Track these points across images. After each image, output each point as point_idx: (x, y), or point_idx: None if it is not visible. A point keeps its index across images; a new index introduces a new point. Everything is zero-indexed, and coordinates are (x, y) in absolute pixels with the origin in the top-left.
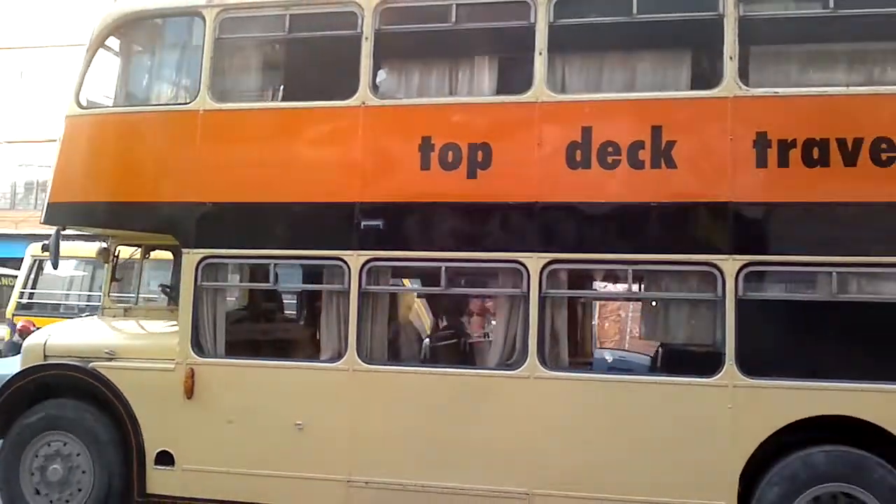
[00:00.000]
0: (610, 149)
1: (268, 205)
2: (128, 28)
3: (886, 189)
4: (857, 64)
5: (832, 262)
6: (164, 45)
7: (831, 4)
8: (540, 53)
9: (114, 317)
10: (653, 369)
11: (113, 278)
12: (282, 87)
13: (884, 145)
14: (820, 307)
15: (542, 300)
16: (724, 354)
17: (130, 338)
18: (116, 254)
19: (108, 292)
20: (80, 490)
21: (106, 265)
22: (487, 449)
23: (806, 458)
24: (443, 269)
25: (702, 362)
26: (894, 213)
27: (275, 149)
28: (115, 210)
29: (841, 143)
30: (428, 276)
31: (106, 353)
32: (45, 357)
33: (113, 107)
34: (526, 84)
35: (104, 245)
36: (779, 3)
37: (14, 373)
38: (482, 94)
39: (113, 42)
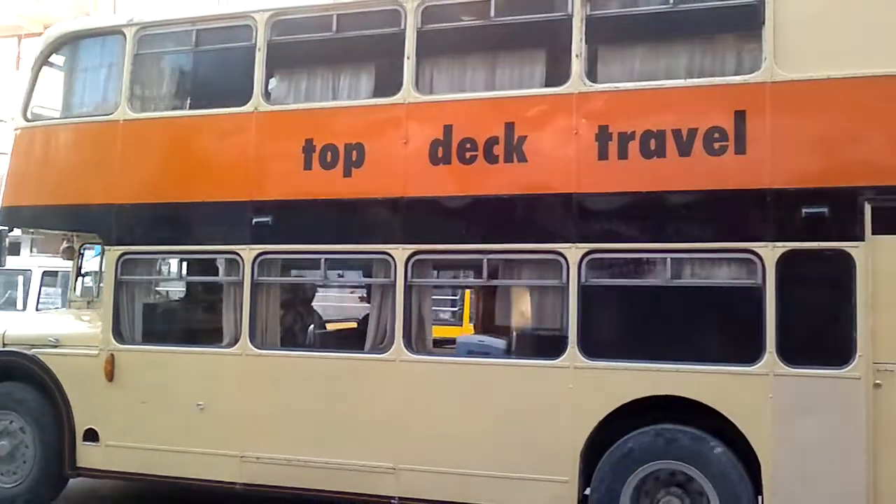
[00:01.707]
0: (468, 145)
1: (177, 205)
2: (66, 46)
3: (716, 177)
4: (694, 57)
5: (667, 248)
6: (95, 62)
7: (670, 1)
8: (408, 58)
9: (78, 309)
10: (507, 352)
11: (78, 274)
12: (191, 96)
13: (716, 135)
14: (656, 292)
15: (408, 289)
16: (567, 338)
17: (72, 328)
18: (81, 252)
19: (74, 287)
20: (24, 463)
21: (71, 262)
22: (360, 427)
23: (638, 437)
24: (322, 260)
25: (549, 345)
26: (723, 200)
27: (183, 153)
28: (55, 213)
29: (676, 134)
30: (312, 268)
31: (50, 341)
32: (4, 345)
33: (51, 119)
34: (397, 87)
35: (67, 244)
36: (623, 3)
37: None
38: (359, 97)
39: (57, 59)
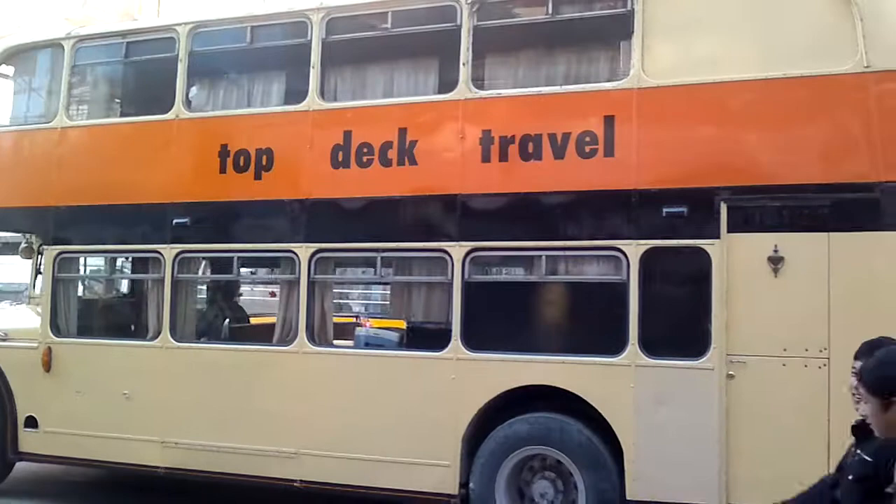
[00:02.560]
0: (365, 149)
1: (107, 207)
2: (14, 58)
3: (587, 178)
4: (571, 65)
5: (542, 246)
6: (40, 72)
7: (549, 12)
8: (314, 67)
9: (37, 305)
10: (400, 345)
11: (37, 273)
12: (122, 105)
13: (587, 139)
14: (532, 288)
15: (311, 284)
16: (451, 331)
17: (19, 322)
18: (39, 251)
19: (33, 285)
20: None
21: (30, 260)
22: (267, 415)
23: (513, 425)
24: (234, 259)
25: (436, 338)
26: (593, 200)
27: (113, 159)
28: (4, 215)
29: (551, 137)
30: (226, 266)
31: (1, 334)
32: None
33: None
34: (303, 95)
35: (26, 244)
36: (506, 14)
37: None
38: (270, 105)
39: (7, 70)
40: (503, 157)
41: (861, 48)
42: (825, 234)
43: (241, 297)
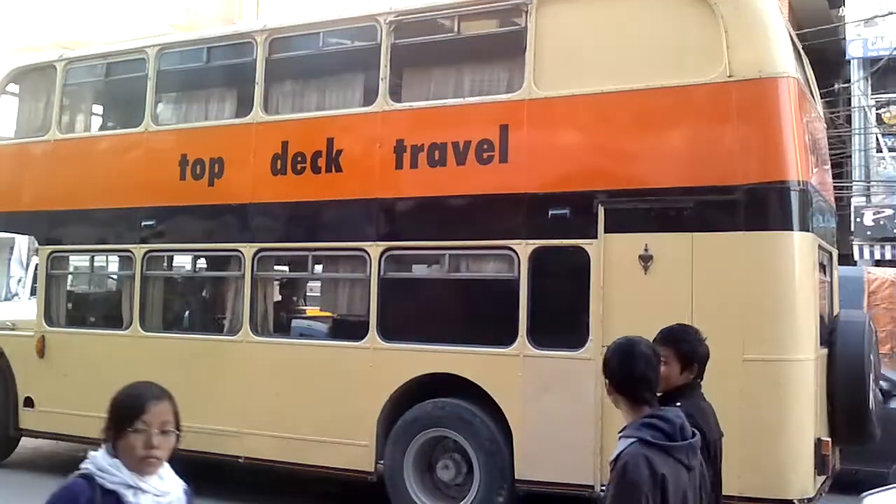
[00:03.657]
0: (299, 158)
1: (89, 211)
2: (19, 78)
3: (484, 183)
4: (474, 78)
5: (446, 245)
6: (39, 91)
7: (456, 30)
8: (258, 83)
9: None
10: (328, 335)
11: None
12: (104, 119)
13: (485, 146)
14: (437, 284)
15: (254, 280)
16: (369, 323)
17: (23, 314)
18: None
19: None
20: None
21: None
22: (217, 398)
23: (420, 408)
24: (191, 257)
25: (357, 329)
26: (489, 203)
27: (95, 167)
28: (8, 218)
29: (459, 145)
30: (184, 263)
31: (8, 324)
32: None
33: (5, 139)
34: (249, 109)
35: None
36: (420, 32)
37: None
38: (222, 118)
39: (13, 88)
40: (414, 164)
41: (725, 58)
42: (689, 233)
43: (204, 292)
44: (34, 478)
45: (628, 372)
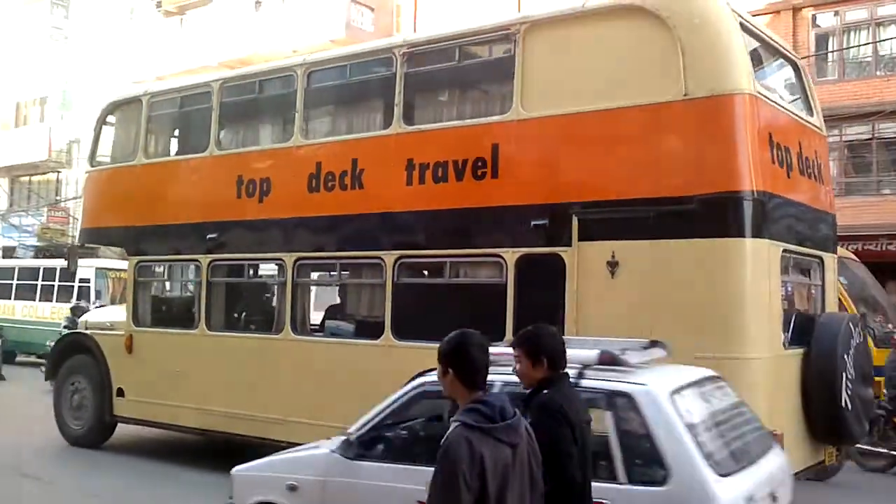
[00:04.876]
0: (330, 177)
1: (166, 226)
2: (115, 110)
3: (479, 197)
4: (476, 102)
5: (449, 254)
6: (129, 121)
7: (456, 59)
8: (297, 112)
9: None
10: (354, 335)
11: None
12: (180, 145)
13: (480, 163)
14: (442, 288)
15: (294, 285)
16: (384, 323)
17: (117, 316)
18: None
19: None
20: (86, 411)
21: None
22: (265, 389)
23: None
24: (246, 265)
25: (376, 329)
26: (483, 215)
27: (169, 188)
28: (105, 232)
29: (458, 163)
30: (240, 270)
31: (107, 325)
32: (86, 328)
33: (104, 165)
34: (290, 134)
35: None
36: (430, 63)
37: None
38: (270, 143)
39: (111, 119)
40: (422, 180)
41: (682, 79)
42: (650, 241)
43: (256, 295)
44: (128, 459)
45: (463, 360)
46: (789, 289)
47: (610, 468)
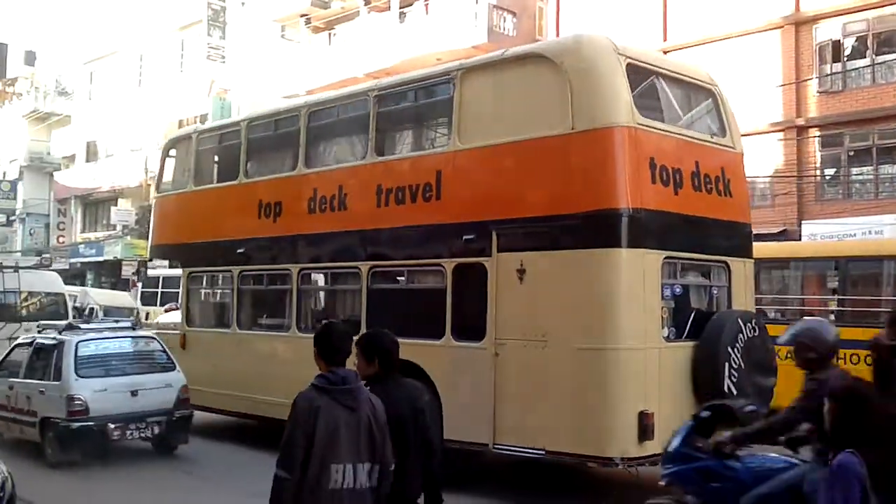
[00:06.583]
0: (324, 200)
1: (207, 242)
2: (175, 146)
3: (427, 216)
4: (430, 135)
5: (406, 263)
6: (184, 154)
7: (414, 100)
8: (300, 146)
9: None
10: None
11: None
12: (217, 175)
13: (427, 188)
14: (404, 293)
15: (299, 291)
16: (361, 324)
17: (178, 318)
18: None
19: None
20: None
21: None
22: (280, 378)
23: None
24: (265, 275)
25: (354, 330)
26: (429, 231)
27: (210, 210)
28: (167, 248)
29: (412, 188)
30: (260, 279)
31: (173, 326)
32: (157, 328)
33: (167, 191)
34: (295, 165)
35: None
36: (396, 104)
37: None
38: (282, 172)
39: (172, 153)
40: (387, 202)
41: (570, 114)
42: (547, 252)
43: (271, 300)
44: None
45: (326, 342)
46: (677, 290)
47: None
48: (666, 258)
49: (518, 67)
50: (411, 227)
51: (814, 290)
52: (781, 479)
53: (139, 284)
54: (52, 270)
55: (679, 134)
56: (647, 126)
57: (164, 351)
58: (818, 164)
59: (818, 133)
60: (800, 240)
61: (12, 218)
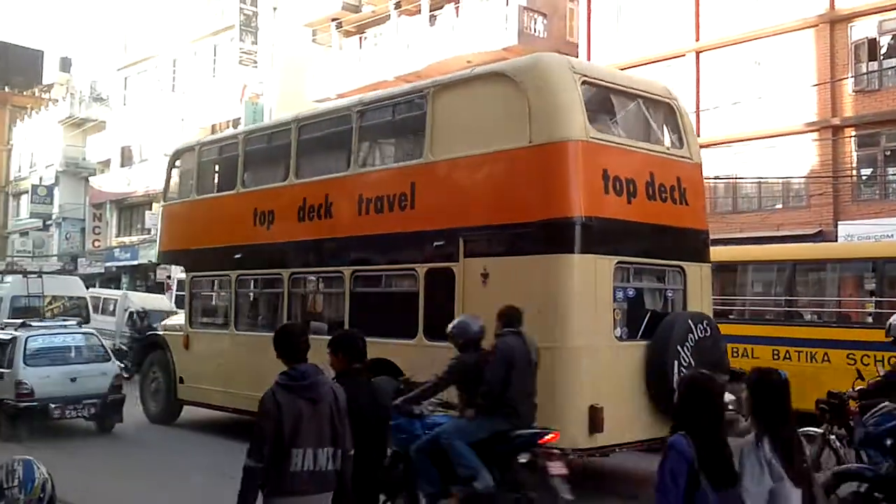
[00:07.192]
0: (311, 208)
1: (208, 248)
2: (180, 157)
3: (402, 224)
4: (408, 147)
5: (385, 268)
6: (188, 165)
7: (392, 115)
8: (293, 158)
9: None
10: (327, 332)
11: None
12: (216, 185)
13: (402, 198)
14: (382, 295)
15: (290, 294)
16: (344, 323)
17: (181, 319)
18: None
19: None
20: (161, 395)
21: None
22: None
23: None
24: (261, 279)
25: (332, 328)
26: (404, 238)
27: (211, 219)
28: (171, 254)
29: (389, 197)
30: (253, 283)
31: (177, 327)
32: (163, 329)
33: (173, 200)
34: (286, 176)
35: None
36: (375, 118)
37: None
38: (274, 183)
39: (178, 163)
40: (367, 211)
41: (528, 129)
42: (508, 257)
43: (266, 302)
44: (192, 434)
45: (285, 342)
46: (630, 293)
47: None
48: (618, 263)
49: (483, 85)
50: (388, 234)
51: (850, 292)
52: (433, 432)
53: (174, 287)
54: (77, 275)
55: (633, 146)
56: (600, 139)
57: (103, 345)
58: (854, 164)
59: (854, 133)
60: (836, 241)
61: (49, 222)
